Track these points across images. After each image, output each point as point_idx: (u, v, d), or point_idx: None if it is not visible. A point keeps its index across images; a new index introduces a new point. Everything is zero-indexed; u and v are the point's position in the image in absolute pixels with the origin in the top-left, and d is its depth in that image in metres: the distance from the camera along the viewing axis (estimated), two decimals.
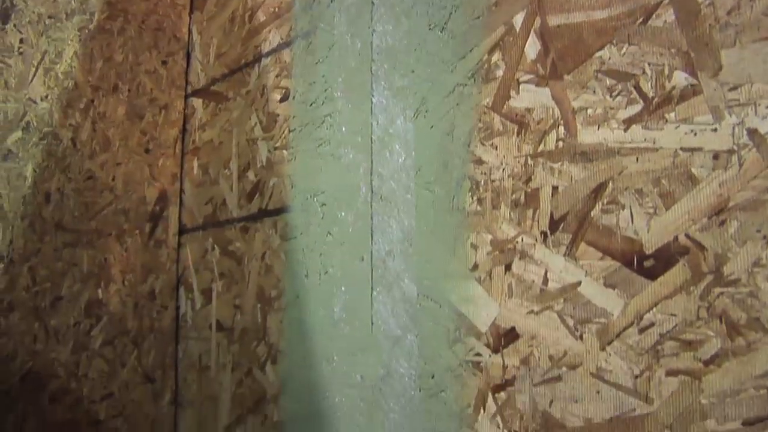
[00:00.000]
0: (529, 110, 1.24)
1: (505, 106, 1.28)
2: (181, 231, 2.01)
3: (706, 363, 1.00)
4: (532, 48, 1.26)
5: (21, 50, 2.02)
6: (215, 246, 1.88)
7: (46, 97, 1.99)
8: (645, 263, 1.07)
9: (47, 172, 1.97)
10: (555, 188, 1.19)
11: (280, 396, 1.63)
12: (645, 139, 1.09)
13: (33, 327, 1.89)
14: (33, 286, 1.90)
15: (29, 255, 1.91)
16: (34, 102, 1.97)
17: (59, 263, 1.93)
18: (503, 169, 1.26)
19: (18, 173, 1.94)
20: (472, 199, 1.29)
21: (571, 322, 1.14)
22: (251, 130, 1.82)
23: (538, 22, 1.25)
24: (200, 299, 1.91)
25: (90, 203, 1.97)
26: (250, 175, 1.80)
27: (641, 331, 1.06)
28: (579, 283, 1.14)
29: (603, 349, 1.10)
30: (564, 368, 1.14)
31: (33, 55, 2.02)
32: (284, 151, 1.70)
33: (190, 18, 2.15)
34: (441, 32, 1.38)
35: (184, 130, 2.08)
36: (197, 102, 2.05)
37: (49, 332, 1.90)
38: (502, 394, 1.22)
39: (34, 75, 1.99)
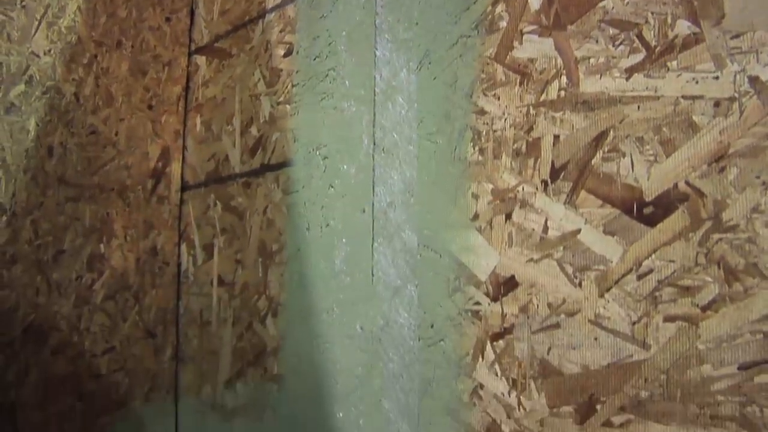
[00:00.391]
0: (531, 60, 1.25)
1: (508, 57, 1.28)
2: (184, 188, 2.02)
3: (704, 309, 1.01)
4: None
5: (23, 3, 2.01)
6: (217, 202, 1.88)
7: (49, 51, 1.99)
8: (644, 210, 1.08)
9: (50, 126, 1.97)
10: (556, 137, 1.19)
11: (280, 349, 1.64)
12: (647, 88, 1.09)
13: (35, 280, 1.90)
14: (35, 240, 1.91)
15: (32, 208, 1.92)
16: (37, 56, 1.97)
17: (61, 217, 1.93)
18: (505, 119, 1.26)
19: (21, 127, 1.95)
20: (474, 149, 1.30)
21: (570, 270, 1.15)
22: (254, 86, 1.82)
23: None
24: (202, 255, 1.92)
25: (93, 158, 1.97)
26: (253, 131, 1.80)
27: (640, 277, 1.07)
28: (579, 231, 1.14)
29: (601, 296, 1.11)
30: (562, 315, 1.15)
31: (36, 8, 2.01)
32: (287, 106, 1.70)
33: None
34: None
35: (187, 87, 2.08)
36: (200, 59, 2.05)
37: (51, 285, 1.91)
38: (501, 342, 1.23)
39: (37, 29, 1.99)
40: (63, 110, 1.94)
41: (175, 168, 2.03)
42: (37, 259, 1.87)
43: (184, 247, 1.99)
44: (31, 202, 1.87)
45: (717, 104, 1.02)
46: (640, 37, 1.11)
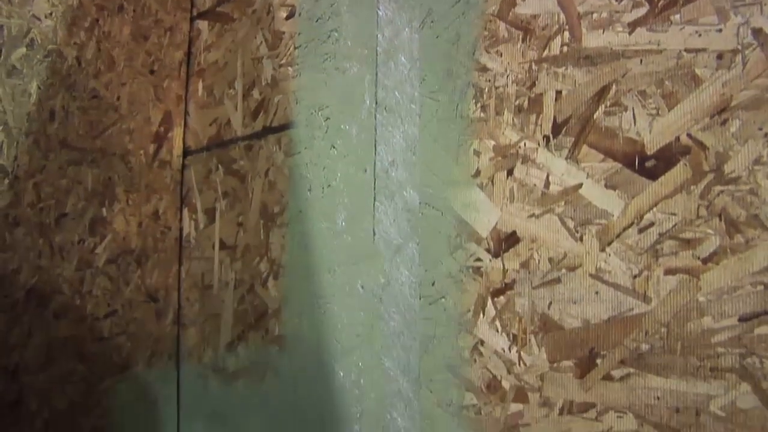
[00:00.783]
0: (534, 17, 1.24)
1: (510, 14, 1.27)
2: (186, 152, 2.01)
3: (705, 261, 1.01)
4: None
5: None
6: (219, 166, 1.88)
7: (51, 14, 1.98)
8: (646, 164, 1.08)
9: (52, 90, 1.97)
10: (558, 93, 1.19)
11: (281, 310, 1.64)
12: (649, 42, 1.09)
13: (38, 243, 1.91)
14: (38, 203, 1.91)
15: (34, 171, 1.92)
16: (38, 19, 1.97)
17: (64, 180, 1.93)
18: (507, 76, 1.26)
19: (23, 90, 1.94)
20: (476, 106, 1.30)
21: (571, 224, 1.15)
22: (256, 49, 1.82)
23: None
24: (204, 219, 1.92)
25: (95, 122, 1.97)
26: (255, 94, 1.80)
27: (641, 231, 1.07)
28: (580, 186, 1.14)
29: (603, 250, 1.11)
30: (563, 270, 1.16)
31: None
32: (289, 68, 1.70)
33: None
34: None
35: (189, 53, 2.07)
36: (203, 24, 2.04)
37: (54, 249, 1.91)
38: (502, 298, 1.23)
39: None
40: (65, 74, 1.94)
41: (177, 133, 2.02)
42: (40, 222, 1.87)
43: (185, 211, 1.99)
44: (33, 165, 1.87)
45: (720, 57, 1.02)
46: None
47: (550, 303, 1.17)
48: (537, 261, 1.19)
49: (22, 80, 1.90)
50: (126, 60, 2.01)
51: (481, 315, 1.26)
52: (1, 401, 1.86)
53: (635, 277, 1.07)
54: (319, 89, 1.60)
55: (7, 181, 1.86)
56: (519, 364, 1.20)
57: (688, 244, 1.02)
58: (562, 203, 1.16)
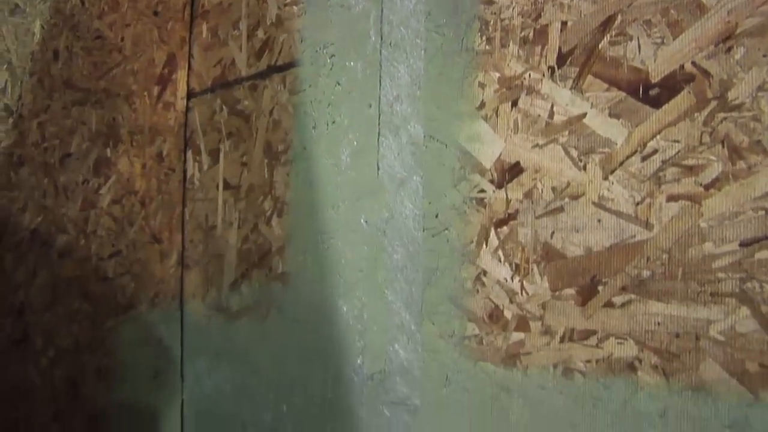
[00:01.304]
0: None
1: None
2: (190, 95, 2.02)
3: (707, 187, 1.02)
4: None
5: None
6: (223, 107, 1.89)
7: None
8: (650, 92, 1.08)
9: (55, 30, 1.96)
10: (564, 23, 1.19)
11: (285, 248, 1.66)
12: None
13: (42, 182, 1.91)
14: (42, 142, 1.92)
15: (38, 111, 1.92)
16: None
17: (68, 121, 1.93)
18: (513, 8, 1.26)
19: (26, 29, 1.94)
20: (482, 39, 1.30)
21: (575, 153, 1.16)
22: None
23: None
24: (207, 160, 1.93)
25: (99, 63, 1.97)
26: (260, 33, 1.80)
27: (644, 158, 1.08)
28: (584, 115, 1.15)
29: (606, 178, 1.12)
30: (566, 199, 1.17)
31: None
32: (294, 7, 1.70)
33: None
34: None
35: None
36: None
37: (59, 188, 1.92)
38: (505, 229, 1.24)
39: None
40: (68, 14, 1.93)
41: (181, 75, 2.03)
42: (44, 162, 1.88)
43: (189, 153, 2.00)
44: (37, 104, 1.87)
45: None
46: None
47: (553, 232, 1.18)
48: (540, 190, 1.20)
49: (25, 19, 1.90)
50: (130, 1, 2.00)
51: (484, 246, 1.27)
52: (7, 339, 1.88)
53: (638, 204, 1.08)
54: (324, 27, 1.60)
55: (11, 120, 1.87)
56: (521, 294, 1.22)
57: (691, 170, 1.03)
58: (566, 133, 1.17)
